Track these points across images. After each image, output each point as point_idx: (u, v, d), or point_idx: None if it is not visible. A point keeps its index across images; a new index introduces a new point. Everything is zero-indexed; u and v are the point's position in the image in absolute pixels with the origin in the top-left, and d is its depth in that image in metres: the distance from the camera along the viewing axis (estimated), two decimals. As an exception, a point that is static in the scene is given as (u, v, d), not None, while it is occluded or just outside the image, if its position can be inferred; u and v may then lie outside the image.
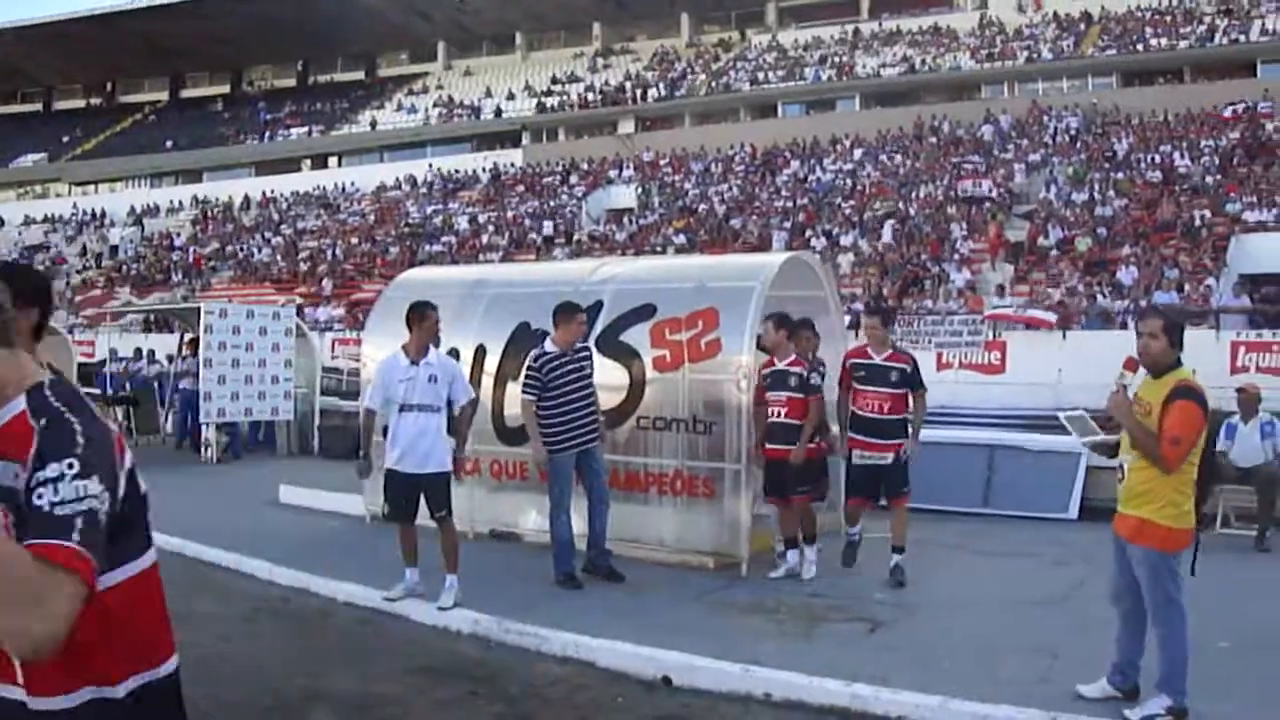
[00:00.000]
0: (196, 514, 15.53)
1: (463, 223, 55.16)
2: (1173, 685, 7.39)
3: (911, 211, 42.54)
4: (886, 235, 40.39)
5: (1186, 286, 31.05)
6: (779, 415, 11.57)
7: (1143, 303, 29.95)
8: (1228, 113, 46.21)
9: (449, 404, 10.64)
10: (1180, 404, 7.29)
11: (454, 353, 13.60)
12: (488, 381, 13.76)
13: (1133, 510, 7.60)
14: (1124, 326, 29.56)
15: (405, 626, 10.10)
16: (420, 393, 10.43)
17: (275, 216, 64.88)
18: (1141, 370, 7.69)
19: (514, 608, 10.00)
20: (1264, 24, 54.34)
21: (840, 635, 9.55)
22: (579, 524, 11.47)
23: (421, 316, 10.62)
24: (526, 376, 11.32)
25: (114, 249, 64.60)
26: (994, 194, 41.95)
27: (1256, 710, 7.75)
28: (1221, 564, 12.23)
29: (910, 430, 11.43)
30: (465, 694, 8.39)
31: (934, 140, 52.09)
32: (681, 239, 44.66)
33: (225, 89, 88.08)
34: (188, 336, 24.66)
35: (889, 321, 11.95)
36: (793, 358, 11.62)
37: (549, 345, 11.43)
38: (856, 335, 14.05)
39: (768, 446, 11.69)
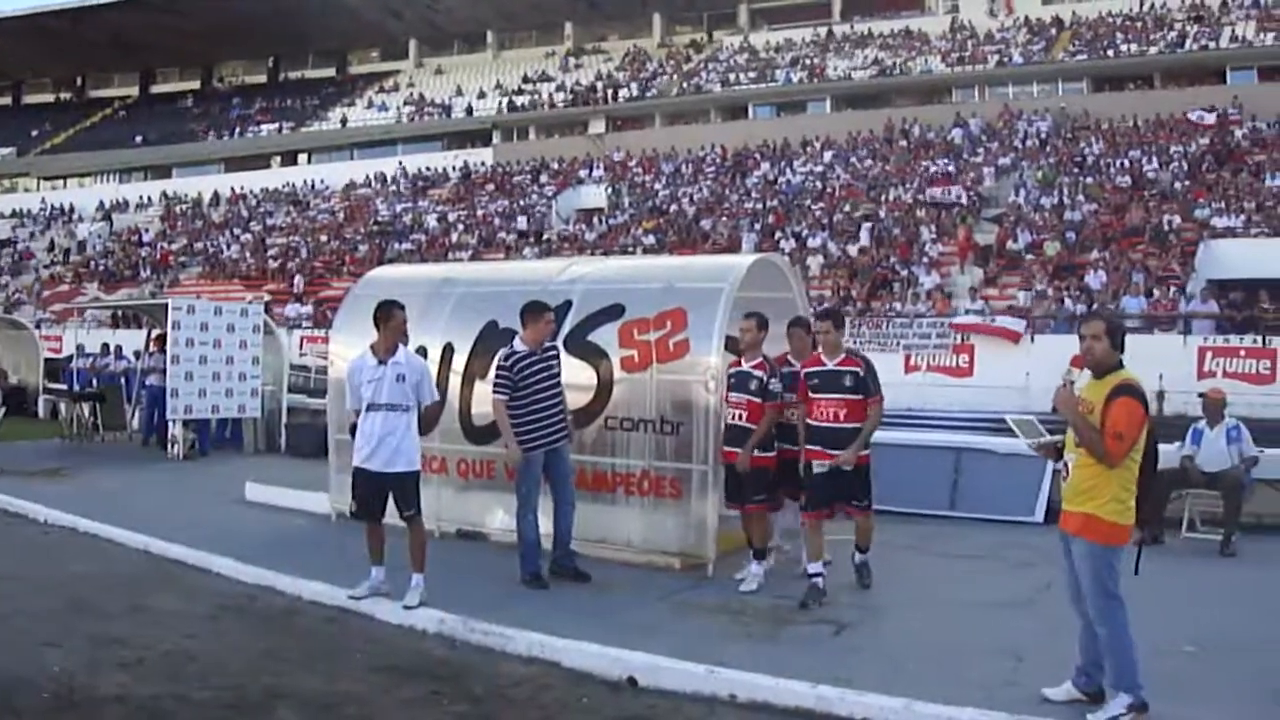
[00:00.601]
0: (162, 511, 15.52)
1: (432, 221, 55.10)
2: (1126, 681, 7.47)
3: (881, 214, 42.60)
4: (863, 238, 40.41)
5: (1155, 291, 31.18)
6: (738, 418, 11.41)
7: (1111, 307, 30.09)
8: (1194, 115, 46.44)
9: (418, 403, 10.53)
10: (1121, 400, 7.50)
11: (421, 351, 13.55)
12: (455, 380, 13.69)
13: (1077, 507, 7.72)
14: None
15: (370, 625, 10.06)
16: (388, 392, 10.36)
17: (244, 213, 64.71)
18: (1086, 372, 7.87)
19: (480, 607, 9.97)
20: (1234, 31, 54.67)
21: (806, 637, 9.55)
22: (545, 524, 11.45)
23: (388, 315, 10.55)
24: (497, 375, 11.29)
25: (82, 244, 64.31)
26: (962, 200, 42.03)
27: (1222, 713, 7.77)
28: (1188, 568, 12.33)
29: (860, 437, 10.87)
30: (429, 693, 8.35)
31: (904, 143, 52.19)
32: (651, 239, 44.75)
33: (195, 85, 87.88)
34: (155, 332, 24.53)
35: (840, 324, 11.34)
36: (758, 360, 11.39)
37: (518, 344, 11.38)
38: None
39: (725, 449, 11.58)
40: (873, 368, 11.14)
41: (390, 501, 10.55)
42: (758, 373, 11.32)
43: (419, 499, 10.63)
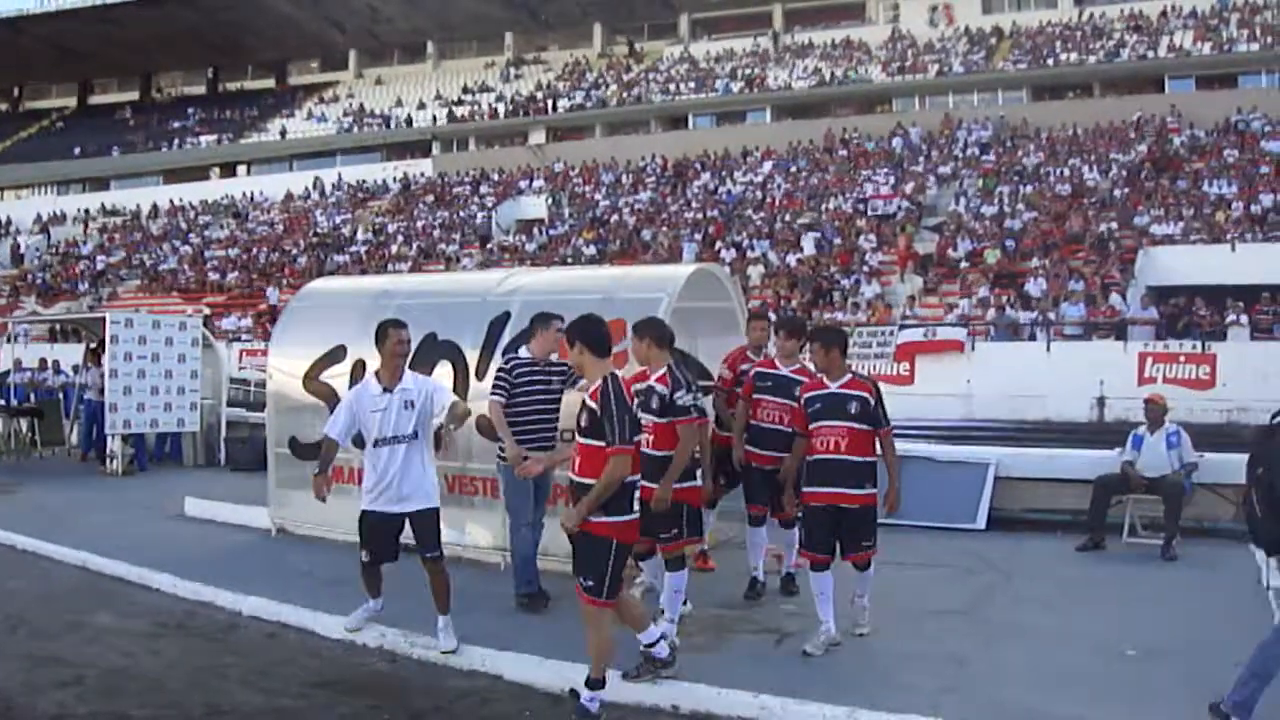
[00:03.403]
0: (100, 527, 15.38)
1: (366, 233, 55.04)
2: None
3: (822, 223, 42.72)
4: (808, 247, 40.54)
5: (1096, 298, 31.41)
6: (644, 444, 9.36)
7: (1051, 315, 30.31)
8: (1134, 116, 47.05)
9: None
10: None
11: (360, 364, 13.47)
12: (397, 393, 13.62)
13: None
14: (1032, 338, 29.92)
15: (311, 641, 9.99)
16: (396, 423, 9.54)
17: (183, 225, 64.36)
18: None
19: (421, 622, 9.91)
20: (1172, 40, 55.32)
21: (748, 646, 9.54)
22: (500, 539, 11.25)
23: (383, 336, 9.76)
24: (496, 378, 10.91)
25: (20, 257, 63.70)
26: (901, 210, 42.20)
27: (1161, 715, 7.82)
28: (1129, 572, 12.38)
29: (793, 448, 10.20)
30: (369, 708, 8.32)
31: (844, 153, 52.39)
32: (592, 250, 44.76)
33: (134, 96, 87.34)
34: (91, 346, 24.32)
35: (799, 334, 11.19)
36: (661, 373, 9.77)
37: (523, 352, 11.11)
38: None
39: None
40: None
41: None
42: (660, 387, 9.73)
43: (440, 538, 9.77)
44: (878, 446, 9.69)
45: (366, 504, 9.70)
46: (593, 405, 8.23)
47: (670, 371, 9.77)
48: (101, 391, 22.06)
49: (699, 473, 10.24)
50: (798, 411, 9.98)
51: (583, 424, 8.30)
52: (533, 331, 11.02)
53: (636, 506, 8.40)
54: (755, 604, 10.88)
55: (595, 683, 8.14)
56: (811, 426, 9.65)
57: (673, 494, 9.56)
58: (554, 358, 10.94)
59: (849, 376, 9.73)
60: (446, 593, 9.73)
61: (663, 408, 9.65)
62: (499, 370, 10.95)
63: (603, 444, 8.13)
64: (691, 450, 9.81)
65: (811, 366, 10.54)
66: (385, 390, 9.60)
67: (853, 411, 9.47)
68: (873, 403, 9.55)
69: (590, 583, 8.17)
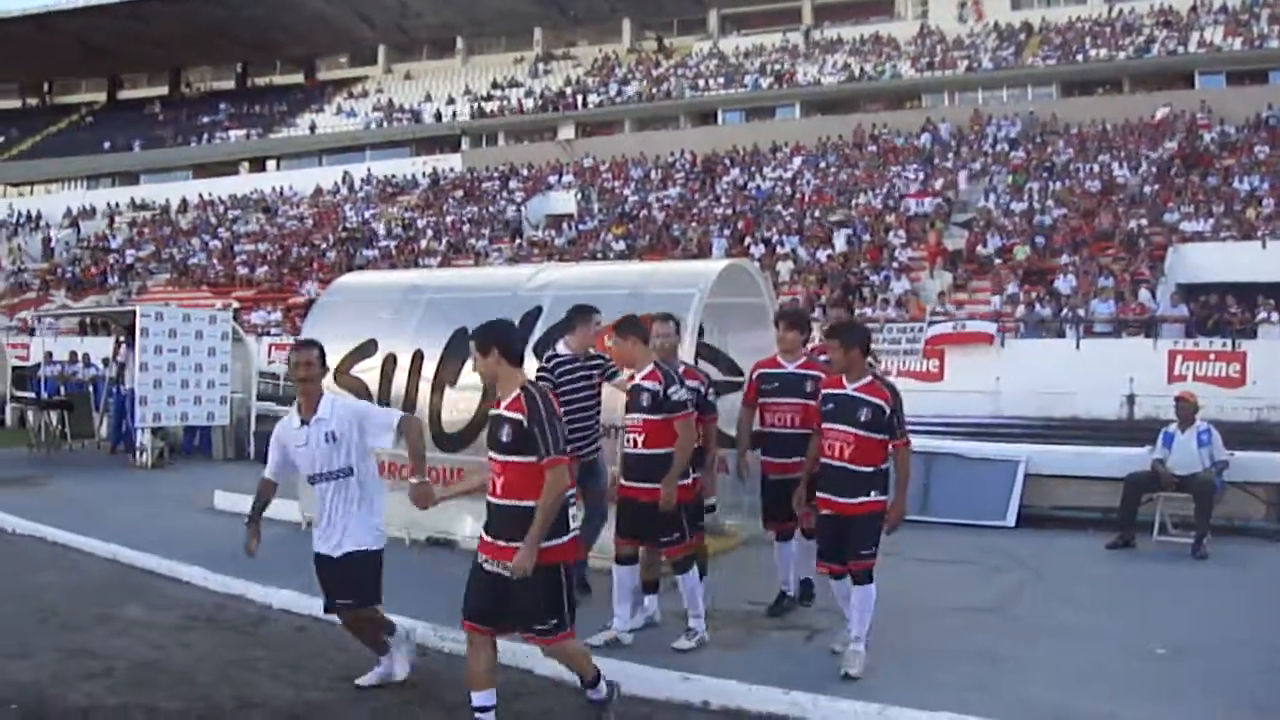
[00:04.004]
0: (130, 520, 15.42)
1: (396, 227, 55.09)
2: None
3: (852, 219, 42.64)
4: (840, 243, 40.50)
5: (1125, 295, 31.28)
6: (633, 444, 9.56)
7: (1080, 311, 30.21)
8: (1161, 114, 46.92)
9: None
10: None
11: (390, 359, 13.48)
12: (425, 388, 13.58)
13: None
14: (1061, 335, 29.82)
15: (342, 635, 9.96)
16: (321, 459, 8.44)
17: (212, 219, 64.46)
18: None
19: (450, 615, 9.87)
20: (1202, 35, 55.02)
21: (778, 643, 9.53)
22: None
23: (293, 362, 8.73)
24: (538, 376, 10.36)
25: (50, 251, 63.92)
26: (933, 209, 42.07)
27: (1191, 715, 7.79)
28: (1159, 571, 12.34)
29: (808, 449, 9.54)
30: (400, 703, 8.33)
31: (873, 149, 52.27)
32: (621, 245, 44.71)
33: (163, 91, 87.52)
34: (120, 339, 24.37)
35: (802, 327, 10.67)
36: (649, 370, 9.48)
37: (561, 348, 10.97)
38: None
39: (621, 483, 9.76)
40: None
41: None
42: (649, 384, 9.41)
43: (367, 591, 8.56)
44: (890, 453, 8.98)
45: (314, 544, 8.68)
46: (516, 417, 7.40)
47: (659, 368, 9.46)
48: (118, 378, 22.22)
49: (693, 469, 9.65)
50: (812, 409, 9.54)
51: (503, 439, 7.45)
52: (572, 325, 10.82)
53: (575, 522, 7.70)
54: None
55: (590, 682, 7.77)
56: (823, 426, 9.10)
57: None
58: (591, 351, 10.82)
59: (868, 379, 9.02)
60: (378, 637, 8.80)
61: (655, 404, 9.30)
62: (540, 369, 10.73)
63: (534, 458, 7.32)
64: (691, 446, 9.41)
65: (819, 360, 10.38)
66: (303, 423, 8.51)
67: (863, 419, 8.82)
68: (887, 411, 8.83)
69: (553, 621, 7.44)
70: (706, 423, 10.07)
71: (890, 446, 8.89)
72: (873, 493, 8.82)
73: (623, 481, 9.67)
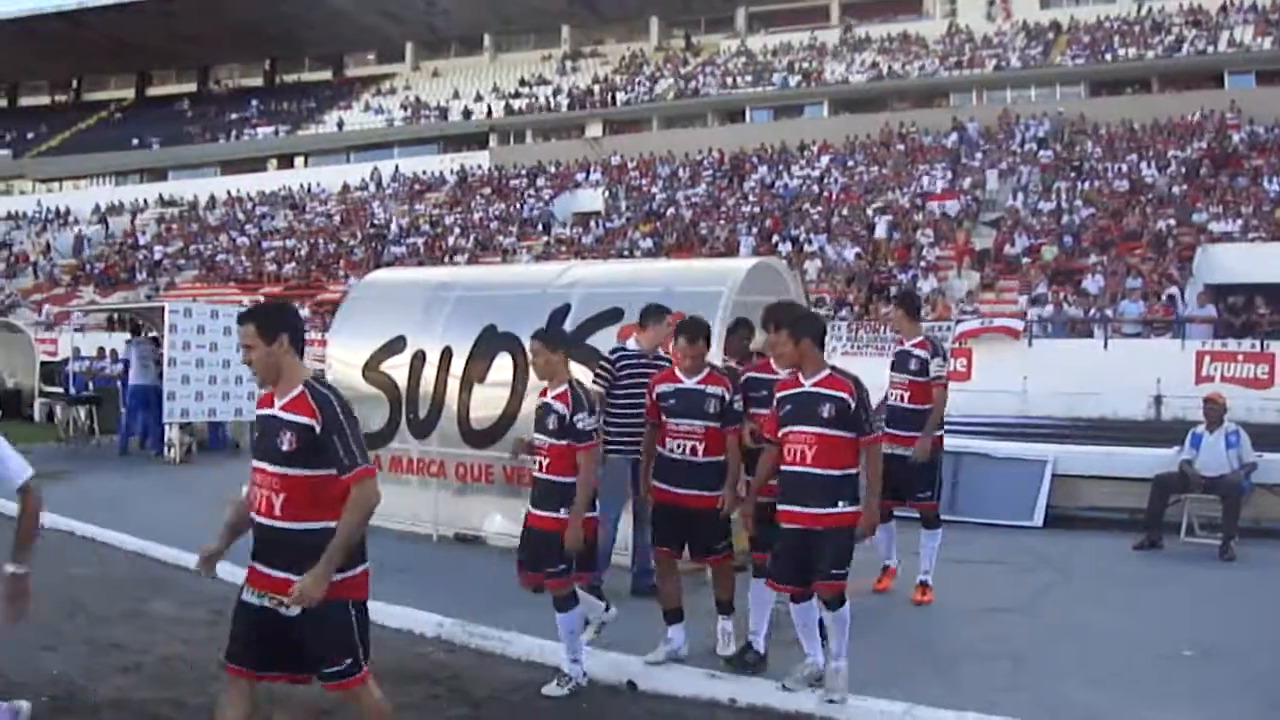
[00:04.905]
0: (158, 514, 15.50)
1: (424, 224, 55.16)
2: None
3: (882, 218, 42.59)
4: (880, 230, 40.71)
5: (1153, 295, 31.18)
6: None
7: (1108, 311, 30.13)
8: (1193, 112, 46.83)
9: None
10: None
11: (419, 355, 13.52)
12: (454, 384, 13.62)
13: None
14: (1089, 335, 29.73)
15: (371, 627, 10.04)
16: None
17: (240, 216, 64.54)
18: None
19: (478, 611, 9.94)
20: (1232, 35, 54.77)
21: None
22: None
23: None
24: (599, 367, 10.80)
25: (79, 247, 64.06)
26: (960, 210, 41.98)
27: (1219, 716, 7.78)
28: (1187, 573, 12.31)
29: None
30: (429, 698, 8.35)
31: (901, 147, 52.17)
32: (648, 243, 44.67)
33: (192, 88, 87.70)
34: (149, 335, 24.47)
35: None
36: (561, 390, 8.48)
37: (630, 344, 11.00)
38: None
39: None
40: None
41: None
42: (558, 405, 8.42)
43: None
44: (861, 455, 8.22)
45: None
46: (306, 421, 5.91)
47: (572, 389, 8.48)
48: (147, 373, 22.31)
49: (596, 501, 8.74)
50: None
51: (284, 448, 5.97)
52: (644, 324, 10.77)
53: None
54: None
55: None
56: (780, 432, 8.32)
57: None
58: (661, 351, 10.60)
59: (826, 372, 8.25)
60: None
61: (561, 429, 8.33)
62: (602, 361, 10.87)
63: (331, 471, 5.89)
64: (592, 479, 8.41)
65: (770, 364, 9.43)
66: None
67: (826, 415, 8.04)
68: (852, 405, 8.04)
69: (347, 662, 6.11)
70: (729, 434, 9.00)
71: (860, 445, 8.15)
72: (841, 503, 8.05)
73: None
